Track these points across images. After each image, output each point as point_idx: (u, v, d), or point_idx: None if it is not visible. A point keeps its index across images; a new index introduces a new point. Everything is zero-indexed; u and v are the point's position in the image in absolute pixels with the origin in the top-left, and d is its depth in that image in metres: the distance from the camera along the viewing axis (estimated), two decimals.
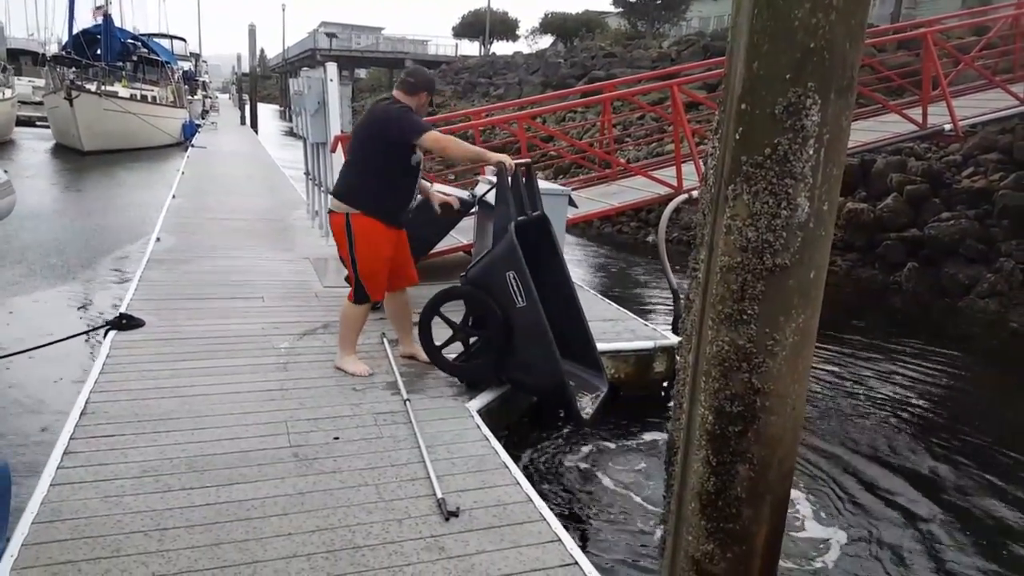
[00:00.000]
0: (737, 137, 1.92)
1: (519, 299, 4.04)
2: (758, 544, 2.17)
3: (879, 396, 5.95)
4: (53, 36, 34.99)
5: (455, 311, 4.41)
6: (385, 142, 4.13)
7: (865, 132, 8.67)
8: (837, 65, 1.86)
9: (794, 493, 2.63)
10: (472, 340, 4.40)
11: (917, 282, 8.92)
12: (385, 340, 4.96)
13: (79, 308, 7.38)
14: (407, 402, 4.06)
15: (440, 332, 4.43)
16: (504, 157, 4.23)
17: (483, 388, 4.37)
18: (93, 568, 2.54)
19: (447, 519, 2.97)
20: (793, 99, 1.86)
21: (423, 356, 4.61)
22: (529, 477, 3.48)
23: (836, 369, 6.47)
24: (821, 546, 3.80)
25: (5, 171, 5.76)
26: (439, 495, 3.10)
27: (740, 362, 1.98)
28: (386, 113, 4.20)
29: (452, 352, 4.47)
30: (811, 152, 1.89)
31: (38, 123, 27.63)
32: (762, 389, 2.00)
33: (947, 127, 8.58)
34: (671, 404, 5.36)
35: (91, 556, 2.59)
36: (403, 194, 4.27)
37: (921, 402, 5.89)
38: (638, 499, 4.14)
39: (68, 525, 2.76)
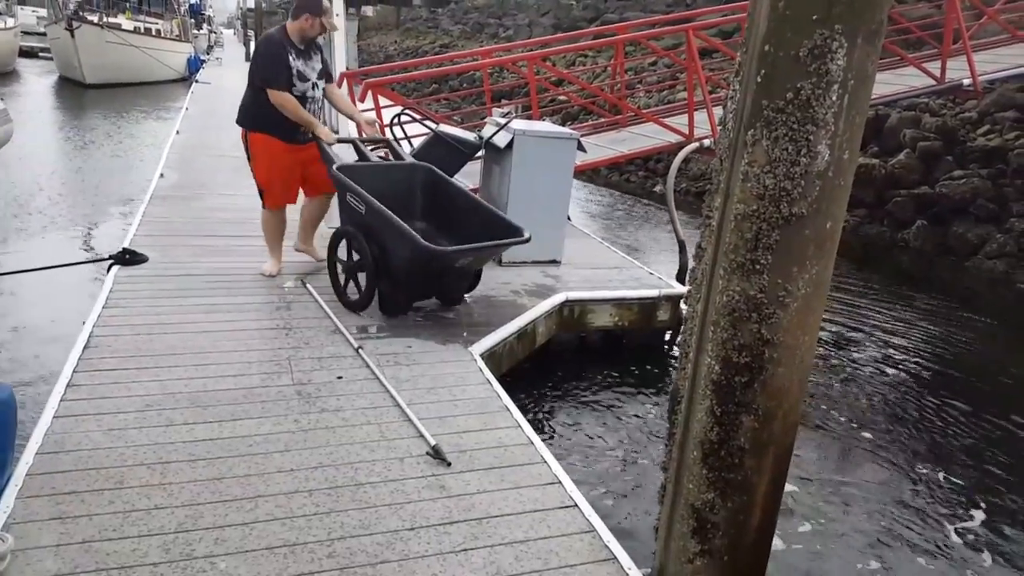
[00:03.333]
0: (759, 80, 1.85)
1: (360, 208, 4.31)
2: (759, 495, 2.17)
3: (882, 350, 5.95)
4: None
5: None
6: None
7: (881, 85, 8.44)
8: (866, 8, 1.79)
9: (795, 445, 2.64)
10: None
11: (924, 240, 8.83)
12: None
13: (82, 242, 7.36)
14: (410, 346, 4.06)
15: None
16: (325, 132, 4.62)
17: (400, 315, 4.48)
18: (96, 499, 2.56)
19: (448, 464, 2.97)
20: (819, 41, 1.79)
21: (319, 255, 5.06)
22: (530, 421, 3.49)
23: (840, 323, 6.46)
24: (819, 500, 3.84)
25: (1, 99, 5.65)
26: (431, 443, 3.08)
27: (750, 312, 1.95)
28: (257, 48, 4.64)
29: None
30: (834, 98, 1.83)
31: (41, 54, 27.11)
32: (771, 340, 1.97)
33: (966, 82, 8.37)
34: (674, 353, 5.38)
35: (94, 487, 2.62)
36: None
37: (924, 358, 5.89)
38: (638, 446, 4.18)
39: (71, 456, 2.79)
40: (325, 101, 4.94)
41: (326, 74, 4.78)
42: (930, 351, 6.04)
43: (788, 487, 2.55)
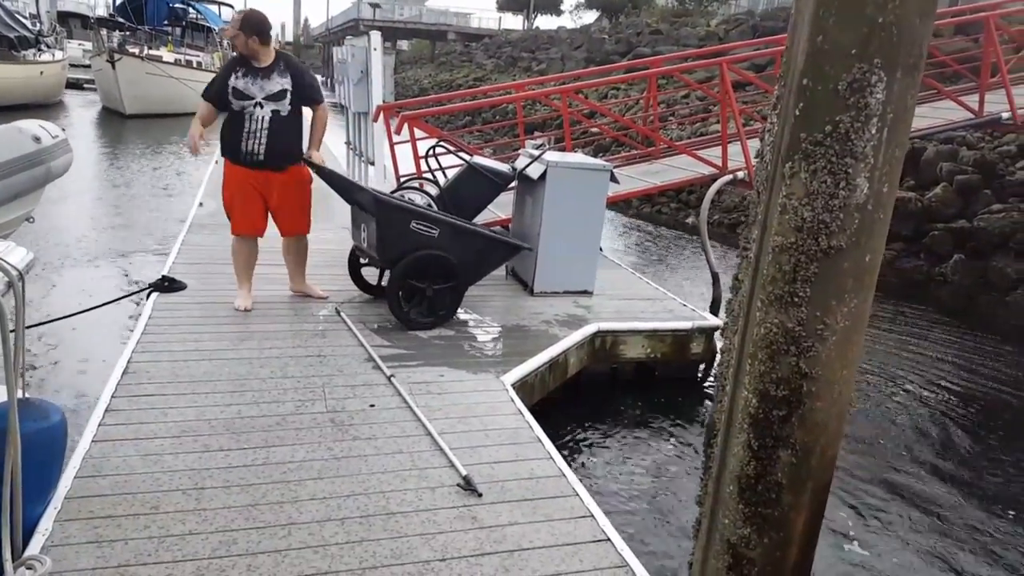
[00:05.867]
0: (797, 113, 1.85)
1: (432, 232, 4.64)
2: (796, 531, 2.12)
3: (922, 386, 5.81)
4: None
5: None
6: None
7: (918, 118, 8.37)
8: (905, 41, 1.78)
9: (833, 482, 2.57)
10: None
11: (963, 274, 8.66)
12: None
13: (122, 270, 7.53)
14: (442, 375, 4.07)
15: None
16: (192, 135, 4.63)
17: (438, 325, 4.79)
18: (132, 524, 2.59)
19: (479, 495, 2.96)
20: (858, 75, 1.79)
21: (317, 293, 5.18)
22: (561, 452, 3.47)
23: (878, 357, 6.33)
24: (856, 538, 3.74)
25: (63, 129, 5.86)
26: (462, 473, 3.08)
27: (788, 345, 1.92)
28: None
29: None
30: (874, 131, 1.82)
31: (86, 86, 28.04)
32: (809, 374, 1.94)
33: (1005, 116, 8.25)
34: (707, 385, 5.32)
35: (130, 512, 2.66)
36: (233, 133, 4.61)
37: (966, 394, 5.74)
38: (671, 480, 4.12)
39: (109, 481, 2.83)
40: (267, 125, 4.60)
41: (292, 96, 4.61)
42: (971, 387, 5.88)
43: (825, 523, 2.49)
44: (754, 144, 7.75)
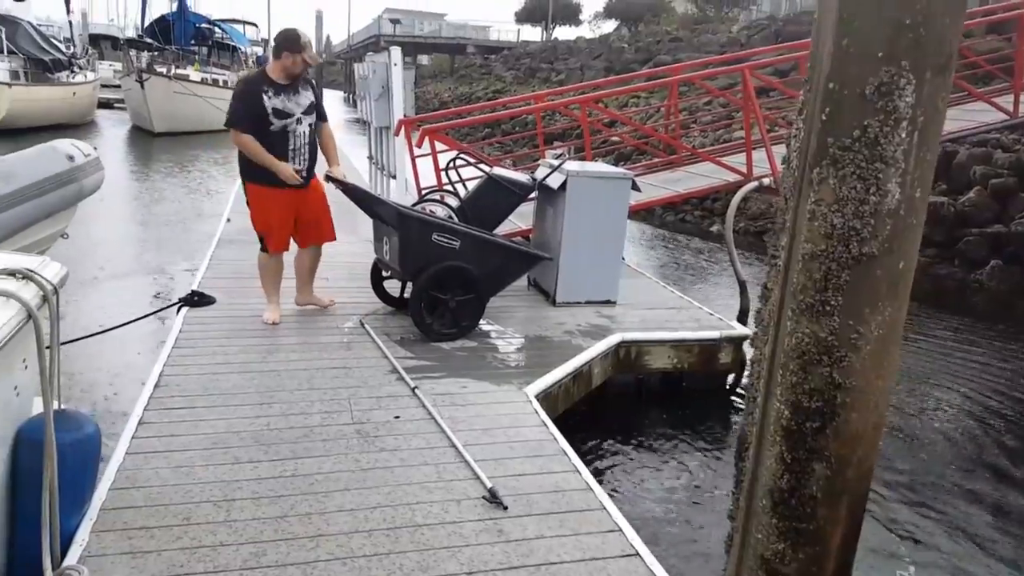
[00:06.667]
0: (823, 118, 1.82)
1: (454, 243, 4.66)
2: (832, 545, 2.08)
3: (960, 395, 5.69)
4: (131, 21, 36.31)
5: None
6: None
7: (949, 120, 8.25)
8: (934, 41, 1.75)
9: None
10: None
11: (1000, 280, 8.48)
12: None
13: (153, 285, 7.64)
14: (465, 386, 4.07)
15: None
16: (287, 171, 4.55)
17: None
18: (165, 535, 2.61)
19: (505, 508, 2.94)
20: (885, 78, 1.76)
21: (324, 302, 5.18)
22: (587, 464, 3.43)
23: (911, 365, 6.21)
24: (896, 550, 3.66)
25: (95, 148, 6.01)
26: (487, 485, 3.06)
27: (821, 355, 1.89)
28: (233, 91, 4.69)
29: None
30: (903, 135, 1.79)
31: (116, 105, 28.68)
32: (843, 384, 1.91)
33: None
34: (736, 396, 5.25)
35: (163, 523, 2.68)
36: (278, 156, 4.55)
37: (1005, 402, 5.60)
38: (700, 493, 4.06)
39: (142, 492, 2.86)
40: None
41: (316, 110, 4.73)
42: (1010, 395, 5.74)
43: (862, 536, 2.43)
44: (779, 150, 7.69)
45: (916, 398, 5.59)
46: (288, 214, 4.76)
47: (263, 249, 4.85)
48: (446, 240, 4.64)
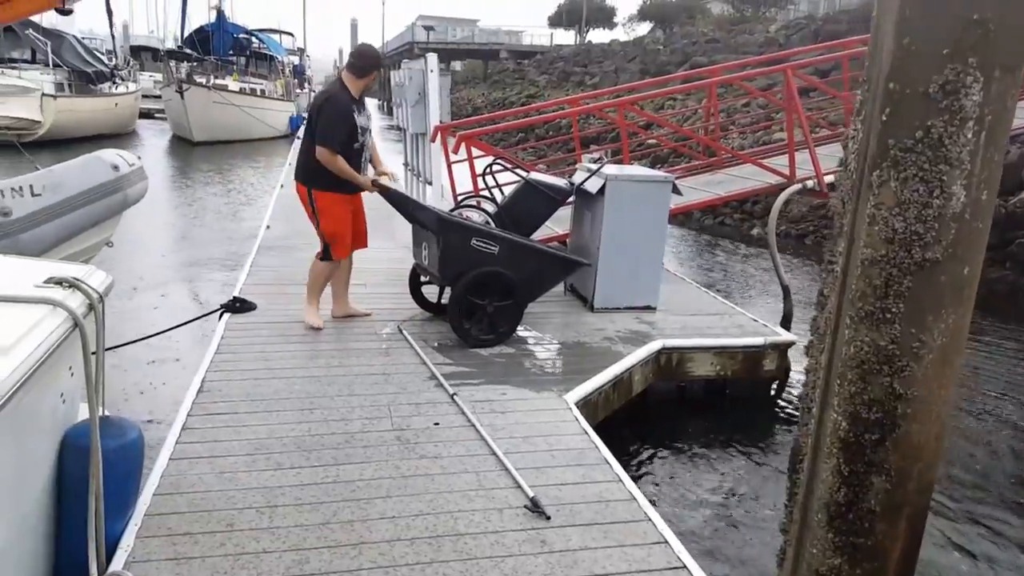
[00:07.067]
0: (884, 119, 1.75)
1: (493, 248, 4.65)
2: (891, 561, 2.00)
3: (1012, 404, 5.49)
4: (171, 32, 37.16)
5: None
6: None
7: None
8: (1005, 38, 1.67)
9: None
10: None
11: None
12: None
13: (195, 292, 7.77)
14: (504, 393, 4.04)
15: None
16: (365, 181, 4.70)
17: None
18: (209, 541, 2.63)
19: (548, 518, 2.90)
20: (951, 77, 1.68)
21: (361, 311, 5.17)
22: (629, 473, 3.38)
23: (963, 374, 6.02)
24: (955, 566, 3.53)
25: (139, 157, 6.12)
26: (529, 494, 3.02)
27: (881, 365, 1.81)
28: (322, 108, 4.55)
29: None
30: (969, 135, 1.71)
31: (156, 115, 29.31)
32: (904, 395, 1.83)
33: None
34: (781, 404, 5.14)
35: (207, 529, 2.69)
36: (354, 168, 4.64)
37: None
38: (746, 504, 3.97)
39: (186, 498, 2.88)
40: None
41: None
42: None
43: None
44: (822, 151, 7.54)
45: (969, 406, 5.41)
46: (350, 221, 4.84)
47: (325, 257, 4.84)
48: (485, 245, 4.63)
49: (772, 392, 5.23)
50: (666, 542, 2.79)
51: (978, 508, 4.04)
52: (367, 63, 4.66)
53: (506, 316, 4.77)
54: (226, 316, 5.00)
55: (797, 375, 5.14)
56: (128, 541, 2.59)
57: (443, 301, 5.25)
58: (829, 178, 6.81)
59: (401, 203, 4.95)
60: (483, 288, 4.66)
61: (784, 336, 5.21)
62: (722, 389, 5.13)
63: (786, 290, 6.03)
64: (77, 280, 2.50)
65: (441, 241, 4.62)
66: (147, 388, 5.25)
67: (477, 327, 4.73)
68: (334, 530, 2.73)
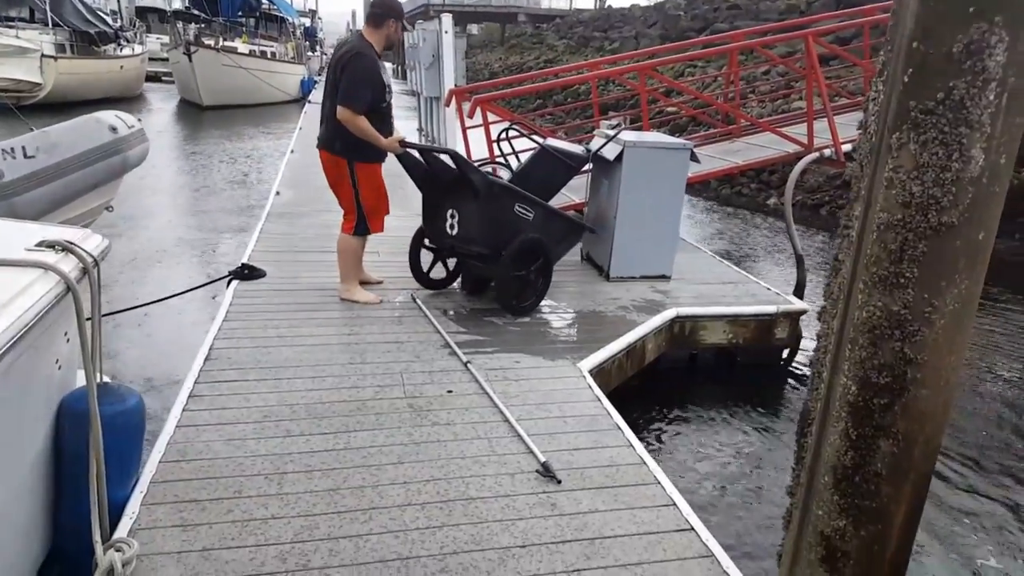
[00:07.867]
0: (906, 80, 1.70)
1: (529, 215, 4.60)
2: (895, 523, 2.00)
3: (1018, 373, 5.45)
4: None
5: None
6: None
7: None
8: None
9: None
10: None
11: None
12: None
13: (203, 258, 7.79)
14: (518, 361, 4.04)
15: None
16: (391, 143, 4.40)
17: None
18: (216, 508, 2.64)
19: (559, 482, 2.92)
20: (976, 36, 1.63)
21: (374, 278, 5.11)
22: (641, 439, 3.38)
23: (975, 343, 5.96)
24: (955, 529, 3.53)
25: (139, 119, 6.00)
26: (541, 459, 3.04)
27: (892, 329, 1.79)
28: (350, 67, 4.21)
29: None
30: (991, 97, 1.66)
31: (164, 79, 28.66)
32: (915, 360, 1.81)
33: None
34: (791, 371, 5.12)
35: (214, 496, 2.70)
36: (384, 132, 4.40)
37: None
38: (755, 469, 3.98)
39: (193, 465, 2.88)
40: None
41: None
42: None
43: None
44: (841, 120, 7.40)
45: (974, 373, 5.36)
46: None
47: (360, 231, 4.63)
48: (524, 211, 4.58)
49: (782, 359, 5.20)
50: (674, 504, 2.81)
51: (978, 473, 4.03)
52: (383, 9, 4.36)
53: (539, 281, 4.77)
54: (235, 283, 5.00)
55: (808, 343, 5.12)
56: (133, 508, 2.58)
57: (436, 276, 5.15)
58: (847, 147, 6.70)
59: (453, 161, 4.52)
60: (527, 256, 4.61)
61: (796, 304, 5.17)
62: (732, 356, 5.12)
63: (800, 259, 5.97)
64: (70, 243, 2.45)
65: (487, 207, 4.43)
66: (153, 356, 5.27)
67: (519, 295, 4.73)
68: (344, 496, 2.75)
